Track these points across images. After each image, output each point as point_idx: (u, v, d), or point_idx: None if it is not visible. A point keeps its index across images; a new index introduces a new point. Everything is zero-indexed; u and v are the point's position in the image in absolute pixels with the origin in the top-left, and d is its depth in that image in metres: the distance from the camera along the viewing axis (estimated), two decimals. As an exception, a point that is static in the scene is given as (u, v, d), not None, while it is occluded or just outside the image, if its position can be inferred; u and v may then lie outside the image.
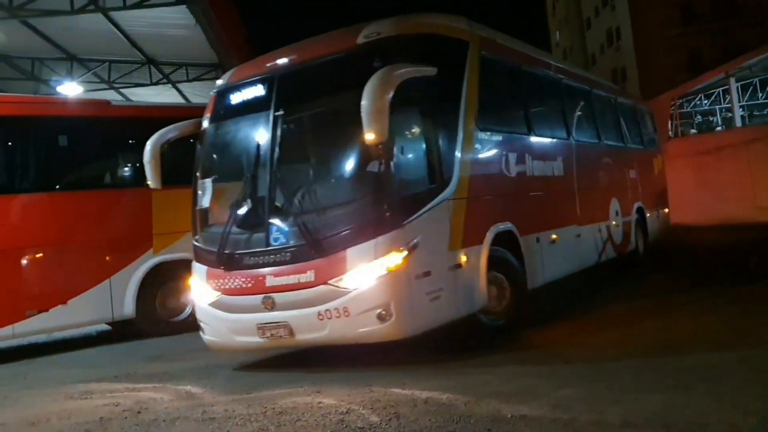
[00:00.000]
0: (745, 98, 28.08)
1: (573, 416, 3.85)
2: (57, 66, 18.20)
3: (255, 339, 5.81)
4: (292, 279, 5.61)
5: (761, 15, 32.70)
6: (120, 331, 9.27)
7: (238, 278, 5.88)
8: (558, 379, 4.81)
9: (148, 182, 6.77)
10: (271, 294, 5.68)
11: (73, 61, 18.13)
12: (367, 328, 5.38)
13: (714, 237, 15.75)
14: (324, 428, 4.09)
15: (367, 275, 5.37)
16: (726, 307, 7.21)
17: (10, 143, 8.38)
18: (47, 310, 8.12)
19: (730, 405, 3.86)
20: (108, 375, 6.55)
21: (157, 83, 19.27)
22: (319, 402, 4.69)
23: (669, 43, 36.82)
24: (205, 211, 6.50)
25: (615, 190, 10.26)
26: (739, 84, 25.63)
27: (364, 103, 5.12)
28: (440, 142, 6.01)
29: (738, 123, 25.32)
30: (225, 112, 6.60)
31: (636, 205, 11.18)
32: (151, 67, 18.70)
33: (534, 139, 7.89)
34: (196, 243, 6.40)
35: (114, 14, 14.34)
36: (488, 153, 6.85)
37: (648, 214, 11.70)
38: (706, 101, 29.40)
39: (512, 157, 7.19)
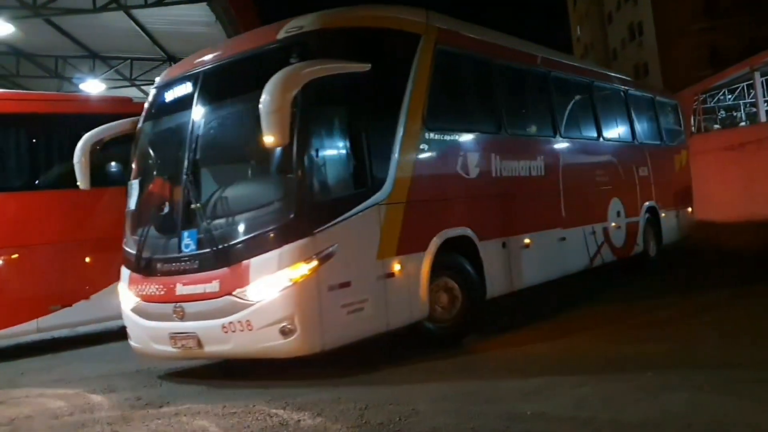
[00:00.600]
0: (770, 93, 27.63)
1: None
2: (80, 64, 18.40)
3: (168, 348, 5.58)
4: (198, 288, 5.35)
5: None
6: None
7: (153, 284, 5.67)
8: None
9: (78, 183, 6.60)
10: (181, 303, 5.42)
11: (96, 59, 18.32)
12: (271, 343, 5.05)
13: (739, 237, 15.37)
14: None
15: (270, 287, 5.03)
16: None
17: (35, 140, 8.49)
18: (71, 305, 8.23)
19: (750, 404, 3.82)
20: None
21: (178, 80, 19.32)
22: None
23: (691, 38, 36.41)
24: (131, 214, 6.27)
25: (617, 189, 9.63)
26: (764, 79, 25.22)
27: (262, 103, 4.82)
28: (370, 143, 5.60)
29: (762, 118, 24.89)
30: (155, 112, 6.36)
31: (647, 205, 10.49)
32: (172, 64, 18.80)
33: (506, 138, 7.43)
34: (124, 246, 6.18)
35: (135, 12, 14.47)
36: (439, 154, 6.41)
37: (663, 214, 11.01)
38: (729, 96, 28.98)
39: (473, 157, 6.74)
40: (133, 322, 5.95)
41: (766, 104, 25.28)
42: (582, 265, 8.64)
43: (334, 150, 5.59)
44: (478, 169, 6.82)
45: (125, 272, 6.04)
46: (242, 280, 5.13)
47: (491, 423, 3.84)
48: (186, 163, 5.63)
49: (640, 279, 9.99)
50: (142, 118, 6.49)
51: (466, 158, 6.67)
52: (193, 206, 5.52)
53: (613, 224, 9.39)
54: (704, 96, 27.79)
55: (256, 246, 5.15)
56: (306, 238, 5.07)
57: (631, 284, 9.66)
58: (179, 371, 6.27)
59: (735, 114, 30.29)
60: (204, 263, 5.34)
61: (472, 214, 6.64)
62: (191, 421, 4.52)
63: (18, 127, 8.38)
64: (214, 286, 5.26)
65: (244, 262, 5.15)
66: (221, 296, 5.21)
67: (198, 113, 5.77)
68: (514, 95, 8.11)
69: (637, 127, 10.84)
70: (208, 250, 5.32)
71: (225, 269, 5.22)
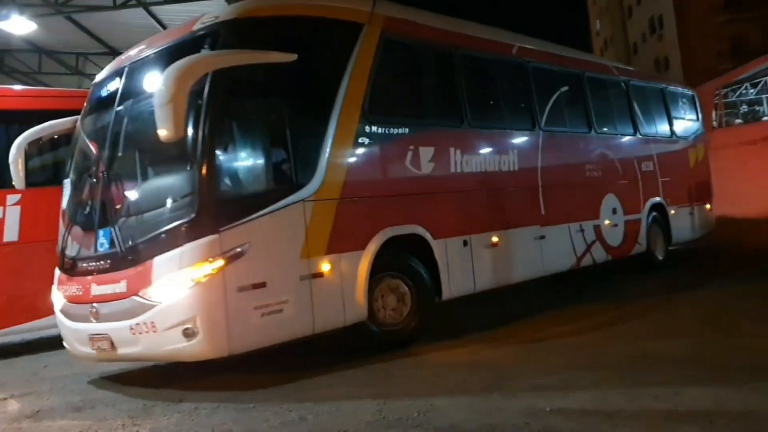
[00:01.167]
0: (794, 87, 27.20)
1: None
2: (100, 60, 18.49)
3: (89, 350, 5.45)
4: (108, 289, 5.19)
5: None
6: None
7: (74, 284, 5.53)
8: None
9: (13, 183, 6.56)
10: (95, 303, 5.28)
11: (116, 56, 18.35)
12: (175, 346, 4.85)
13: (761, 233, 15.14)
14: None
15: (172, 287, 4.83)
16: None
17: (56, 137, 8.56)
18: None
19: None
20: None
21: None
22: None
23: (713, 31, 35.90)
24: (62, 213, 6.11)
25: (612, 185, 9.22)
26: (787, 72, 24.84)
27: (155, 96, 4.65)
28: (294, 138, 5.37)
29: (786, 112, 24.57)
30: (88, 109, 6.22)
31: (651, 202, 10.01)
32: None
33: (470, 131, 7.08)
34: (57, 246, 6.01)
35: (155, 8, 14.59)
36: (384, 149, 6.12)
37: (673, 211, 10.51)
38: (752, 90, 28.57)
39: (427, 152, 6.45)
40: (60, 323, 5.83)
41: (789, 98, 24.91)
42: (566, 265, 8.29)
43: (247, 145, 5.38)
44: (434, 164, 6.52)
45: (56, 272, 5.89)
46: (146, 280, 4.95)
47: (510, 419, 3.82)
48: (104, 160, 5.56)
49: (649, 279, 9.81)
50: (80, 116, 6.34)
51: (417, 153, 6.37)
52: (107, 205, 5.41)
53: (607, 222, 9.00)
54: (726, 90, 27.42)
55: (160, 245, 4.95)
56: (210, 236, 4.84)
57: (642, 284, 9.44)
58: (192, 366, 6.30)
59: (758, 108, 29.87)
60: (114, 263, 5.19)
61: (425, 211, 6.37)
62: (210, 414, 4.54)
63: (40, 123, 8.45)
64: (122, 287, 5.10)
65: (148, 261, 4.96)
66: (128, 297, 5.05)
67: (118, 110, 5.61)
68: (481, 87, 7.76)
69: (641, 119, 10.35)
70: (116, 249, 5.18)
71: (131, 269, 5.05)
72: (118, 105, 5.63)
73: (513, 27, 9.11)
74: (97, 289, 5.30)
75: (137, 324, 4.97)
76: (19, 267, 7.81)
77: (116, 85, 5.77)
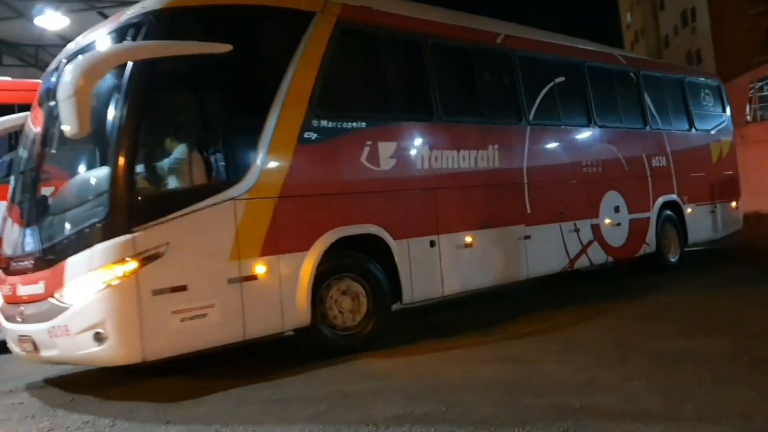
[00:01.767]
0: (832, 80, 26.53)
1: None
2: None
3: (19, 350, 5.33)
4: (30, 290, 5.04)
5: None
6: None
7: (7, 284, 5.39)
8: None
9: None
10: (21, 304, 5.15)
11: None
12: (88, 350, 4.66)
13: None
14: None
15: (83, 290, 4.64)
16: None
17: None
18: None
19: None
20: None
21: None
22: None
23: (747, 23, 35.16)
24: (4, 212, 5.94)
25: (615, 182, 8.74)
26: (824, 65, 24.26)
27: (58, 89, 4.48)
28: (224, 133, 5.18)
29: (822, 106, 23.98)
30: (33, 105, 6.00)
31: (663, 199, 9.50)
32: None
33: (441, 125, 6.72)
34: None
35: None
36: (334, 144, 5.79)
37: (689, 210, 9.97)
38: (788, 84, 27.94)
39: (388, 147, 6.13)
40: (2, 324, 5.69)
41: (826, 92, 24.31)
42: (557, 267, 7.91)
43: (169, 141, 5.14)
44: (395, 159, 6.21)
45: None
46: (60, 282, 4.79)
47: (540, 415, 3.78)
48: (33, 157, 5.49)
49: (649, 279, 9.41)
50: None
51: (376, 148, 6.05)
52: (33, 203, 5.34)
53: (608, 221, 8.59)
54: (761, 84, 26.85)
55: (73, 245, 4.79)
56: (121, 236, 4.62)
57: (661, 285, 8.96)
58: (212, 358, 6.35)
59: (794, 102, 29.20)
60: (36, 263, 5.06)
61: (383, 210, 6.09)
62: (248, 407, 4.55)
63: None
64: (41, 288, 4.95)
65: (62, 262, 4.80)
66: (45, 298, 4.90)
67: (50, 104, 5.40)
68: (457, 78, 7.37)
69: (653, 111, 9.79)
70: (37, 249, 5.09)
71: (48, 270, 4.90)
72: (50, 100, 5.36)
73: (543, 24, 8.91)
74: (22, 290, 5.17)
75: (53, 327, 4.82)
76: None
77: (51, 81, 5.53)
